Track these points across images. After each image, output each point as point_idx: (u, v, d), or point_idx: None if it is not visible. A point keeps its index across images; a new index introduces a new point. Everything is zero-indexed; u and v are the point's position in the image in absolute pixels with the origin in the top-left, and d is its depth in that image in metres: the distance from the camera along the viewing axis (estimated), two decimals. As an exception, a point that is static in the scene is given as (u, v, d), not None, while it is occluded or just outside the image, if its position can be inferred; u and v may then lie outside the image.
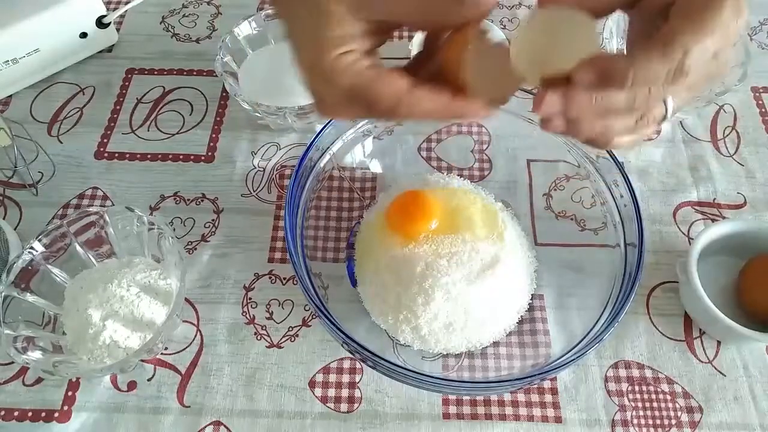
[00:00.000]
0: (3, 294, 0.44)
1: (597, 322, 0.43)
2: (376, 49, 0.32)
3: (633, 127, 0.30)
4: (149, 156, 0.60)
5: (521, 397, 0.47)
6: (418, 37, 0.61)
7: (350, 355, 0.48)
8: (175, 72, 0.67)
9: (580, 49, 0.28)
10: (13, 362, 0.47)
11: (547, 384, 0.47)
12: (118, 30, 0.69)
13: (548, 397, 0.47)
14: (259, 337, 0.50)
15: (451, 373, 0.47)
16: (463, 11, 0.29)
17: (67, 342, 0.46)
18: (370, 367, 0.42)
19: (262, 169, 0.59)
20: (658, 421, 0.46)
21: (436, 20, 0.31)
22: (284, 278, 0.53)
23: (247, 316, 0.51)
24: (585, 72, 0.27)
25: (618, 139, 0.30)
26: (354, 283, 0.51)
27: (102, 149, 0.60)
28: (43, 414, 0.46)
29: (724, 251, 0.50)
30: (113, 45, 0.68)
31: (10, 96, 0.64)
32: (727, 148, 0.61)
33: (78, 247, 0.49)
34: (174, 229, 0.55)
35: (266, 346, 0.49)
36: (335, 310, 0.42)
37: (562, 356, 0.42)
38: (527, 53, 0.29)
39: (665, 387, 0.47)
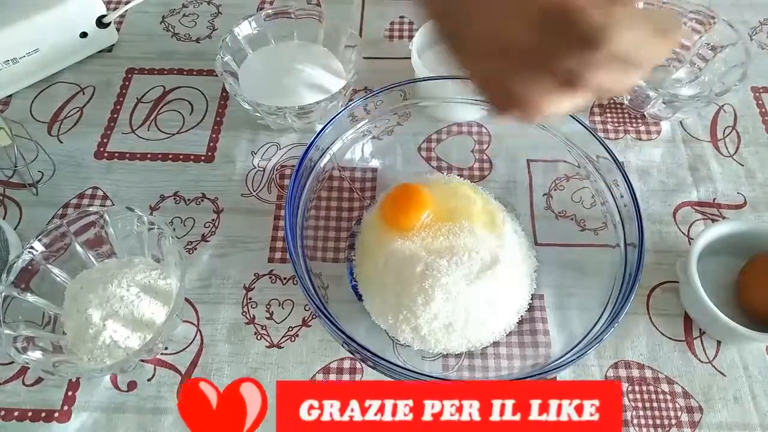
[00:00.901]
0: (3, 294, 0.44)
1: (597, 322, 0.43)
2: None
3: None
4: (149, 156, 0.60)
5: (521, 397, 0.47)
6: (418, 39, 0.61)
7: (350, 355, 0.48)
8: (175, 72, 0.67)
9: None
10: (13, 362, 0.47)
11: (547, 384, 0.47)
12: (118, 30, 0.69)
13: (548, 397, 0.47)
14: (259, 337, 0.49)
15: (451, 373, 0.47)
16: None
17: (67, 342, 0.46)
18: (370, 367, 0.42)
19: (262, 169, 0.59)
20: (658, 421, 0.46)
21: None
22: (284, 278, 0.53)
23: (247, 316, 0.51)
24: None
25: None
26: (354, 283, 0.51)
27: (102, 149, 0.60)
28: (43, 414, 0.46)
29: (724, 251, 0.50)
30: (113, 45, 0.68)
31: (10, 96, 0.64)
32: (727, 148, 0.61)
33: (78, 247, 0.49)
34: (174, 229, 0.55)
35: (266, 346, 0.49)
36: (335, 310, 0.42)
37: (562, 356, 0.42)
38: None
39: (665, 387, 0.47)
